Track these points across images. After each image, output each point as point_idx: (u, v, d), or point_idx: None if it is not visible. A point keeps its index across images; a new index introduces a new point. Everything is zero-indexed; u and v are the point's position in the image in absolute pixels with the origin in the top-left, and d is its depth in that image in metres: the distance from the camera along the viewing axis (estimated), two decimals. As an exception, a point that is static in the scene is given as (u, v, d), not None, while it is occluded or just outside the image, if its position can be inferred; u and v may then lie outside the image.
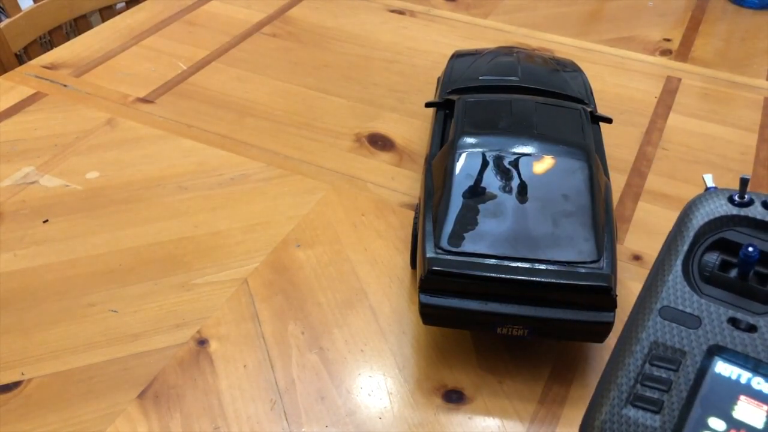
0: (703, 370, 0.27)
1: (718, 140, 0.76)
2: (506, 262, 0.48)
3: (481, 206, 0.51)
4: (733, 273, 0.29)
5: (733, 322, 0.28)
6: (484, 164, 0.53)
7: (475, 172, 0.52)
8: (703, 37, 0.97)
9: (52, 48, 0.92)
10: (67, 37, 0.98)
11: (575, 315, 0.48)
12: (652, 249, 0.62)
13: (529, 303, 0.48)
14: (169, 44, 0.91)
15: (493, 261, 0.48)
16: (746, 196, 0.30)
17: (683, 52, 0.92)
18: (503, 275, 0.47)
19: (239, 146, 0.73)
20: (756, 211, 0.29)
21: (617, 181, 0.70)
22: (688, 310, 0.29)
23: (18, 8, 1.14)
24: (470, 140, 0.54)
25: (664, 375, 0.27)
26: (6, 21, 1.02)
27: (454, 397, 0.50)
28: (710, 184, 0.32)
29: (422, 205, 0.53)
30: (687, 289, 0.29)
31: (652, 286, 0.30)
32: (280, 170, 0.70)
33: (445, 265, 0.48)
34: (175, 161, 0.71)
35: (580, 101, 0.63)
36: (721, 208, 0.30)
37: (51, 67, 0.86)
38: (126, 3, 1.19)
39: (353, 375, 0.51)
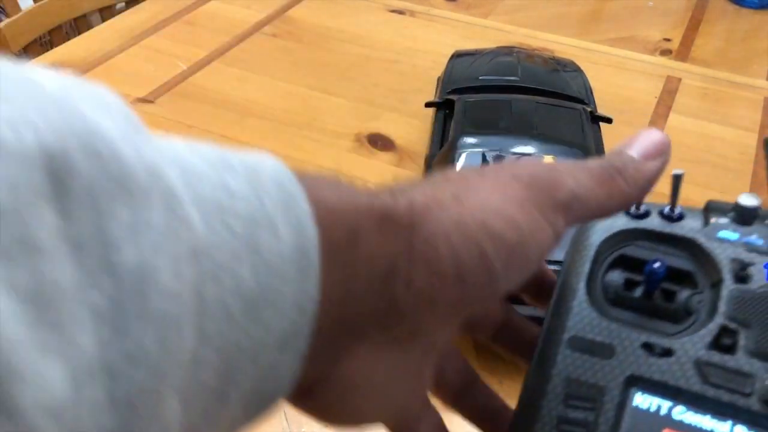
0: (622, 405, 0.25)
1: (718, 140, 0.76)
2: (506, 262, 0.48)
3: (481, 206, 0.51)
4: (639, 291, 0.27)
5: (648, 347, 0.26)
6: (484, 164, 0.53)
7: (475, 172, 0.52)
8: (703, 37, 0.97)
9: (52, 48, 0.92)
10: (67, 37, 0.98)
11: (575, 315, 0.47)
12: (652, 249, 0.62)
13: (529, 303, 0.48)
14: (169, 44, 0.91)
15: (493, 261, 0.48)
16: (642, 207, 0.28)
17: (683, 52, 0.92)
18: (503, 275, 0.47)
19: (239, 146, 0.73)
20: (654, 223, 0.28)
21: (617, 181, 0.70)
22: (598, 338, 0.26)
23: (18, 8, 1.14)
24: (470, 140, 0.54)
25: (581, 416, 0.25)
26: (6, 21, 1.02)
27: (454, 397, 0.50)
28: None
29: (422, 205, 0.53)
30: (594, 314, 0.27)
31: (556, 315, 0.28)
32: (280, 170, 0.70)
33: (445, 265, 0.48)
34: (175, 161, 0.71)
35: (580, 101, 0.63)
36: (618, 221, 0.28)
37: (51, 67, 0.86)
38: (126, 3, 1.20)
39: (353, 375, 0.51)
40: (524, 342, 0.30)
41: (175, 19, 0.96)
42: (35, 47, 1.06)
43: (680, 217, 0.28)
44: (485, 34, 0.94)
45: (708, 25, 0.99)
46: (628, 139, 0.25)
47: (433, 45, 0.91)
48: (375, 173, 0.70)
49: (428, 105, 0.65)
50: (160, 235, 0.15)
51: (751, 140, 0.76)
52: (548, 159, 0.53)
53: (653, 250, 0.28)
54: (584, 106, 0.60)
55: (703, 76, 0.87)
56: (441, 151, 0.56)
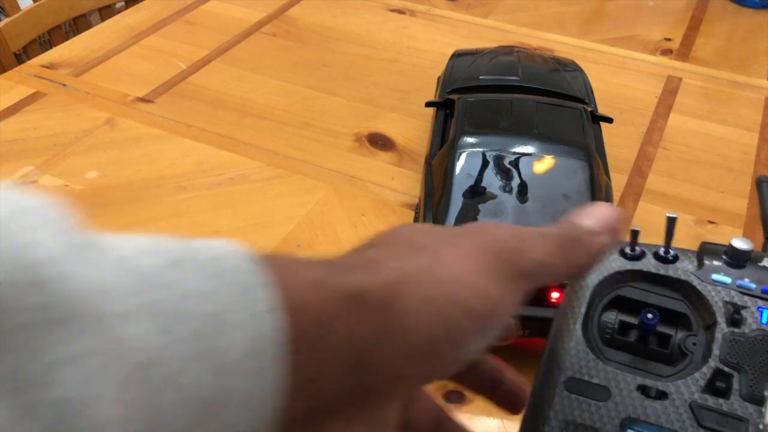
0: None
1: (718, 140, 0.76)
2: (506, 262, 0.48)
3: (481, 206, 0.50)
4: (634, 335, 0.28)
5: (643, 390, 0.26)
6: (485, 164, 0.53)
7: (475, 172, 0.52)
8: (704, 36, 0.96)
9: (51, 47, 0.92)
10: (67, 37, 0.98)
11: (576, 315, 0.47)
12: (652, 249, 0.62)
13: (529, 303, 0.48)
14: (168, 44, 0.91)
15: (493, 261, 0.48)
16: (637, 249, 0.29)
17: (684, 52, 0.92)
18: (503, 275, 0.47)
19: (239, 146, 0.73)
20: (649, 264, 0.29)
21: (618, 181, 0.69)
22: (595, 380, 0.27)
23: (18, 8, 1.14)
24: (470, 140, 0.54)
25: None
26: (6, 21, 1.02)
27: (454, 397, 0.50)
28: None
29: (422, 205, 0.53)
30: (591, 356, 0.28)
31: (553, 356, 0.28)
32: (280, 170, 0.70)
33: (445, 265, 0.48)
34: (174, 161, 0.71)
35: (581, 101, 0.62)
36: (614, 263, 0.29)
37: (50, 66, 0.86)
38: (125, 2, 1.19)
39: (353, 375, 0.51)
40: (483, 379, 0.30)
41: (174, 19, 0.96)
42: (35, 47, 1.06)
43: (675, 259, 0.29)
44: (485, 33, 0.94)
45: (709, 25, 0.99)
46: (584, 210, 0.26)
47: (433, 45, 0.91)
48: (375, 173, 0.70)
49: (428, 105, 0.65)
50: (93, 364, 0.15)
51: (752, 140, 0.76)
52: (548, 159, 0.53)
53: (648, 292, 0.29)
54: (584, 106, 0.60)
55: (703, 76, 0.86)
56: (441, 151, 0.56)
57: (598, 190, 0.51)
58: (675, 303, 0.28)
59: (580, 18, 1.00)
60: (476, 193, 0.51)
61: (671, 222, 0.29)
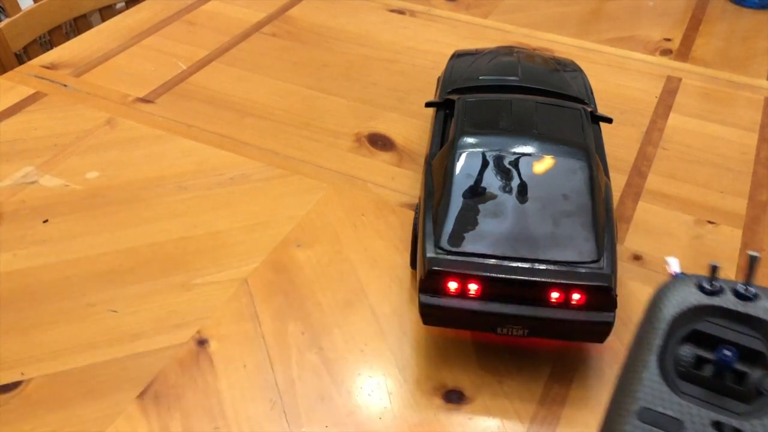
0: None
1: (718, 140, 0.76)
2: (506, 262, 0.48)
3: (481, 206, 0.51)
4: (710, 370, 0.28)
5: (717, 426, 0.26)
6: (484, 164, 0.53)
7: (475, 172, 0.52)
8: (704, 36, 0.96)
9: (51, 48, 0.92)
10: (67, 37, 0.98)
11: (575, 315, 0.48)
12: (652, 249, 0.62)
13: (529, 303, 0.48)
14: (169, 44, 0.91)
15: (493, 261, 0.48)
16: (716, 284, 0.29)
17: (683, 52, 0.92)
18: (503, 275, 0.47)
19: (239, 146, 0.73)
20: (728, 301, 0.28)
21: (617, 181, 0.70)
22: (668, 412, 0.27)
23: (18, 8, 1.14)
24: (470, 140, 0.54)
25: None
26: (6, 21, 1.02)
27: (454, 397, 0.50)
28: (676, 269, 0.30)
29: (422, 205, 0.53)
30: (665, 388, 0.27)
31: (626, 384, 0.28)
32: (280, 170, 0.70)
33: (445, 265, 0.48)
34: (175, 161, 0.71)
35: (581, 101, 0.63)
36: (691, 297, 0.29)
37: (51, 66, 0.86)
38: (126, 3, 1.19)
39: (353, 375, 0.51)
40: None
41: (175, 19, 0.96)
42: (35, 47, 1.06)
43: (755, 297, 0.28)
44: (485, 34, 0.94)
45: (708, 25, 0.99)
46: None
47: (433, 45, 0.91)
48: (375, 173, 0.70)
49: (428, 105, 0.65)
50: None
51: (752, 140, 0.76)
52: (548, 159, 0.53)
53: (726, 328, 0.28)
54: (584, 106, 0.60)
55: (703, 76, 0.87)
56: (441, 151, 0.56)
57: (597, 190, 0.52)
58: (753, 341, 0.28)
59: (579, 18, 1.00)
60: (476, 193, 0.51)
61: (753, 260, 0.28)
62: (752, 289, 0.28)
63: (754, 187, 0.70)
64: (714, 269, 0.29)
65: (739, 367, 0.27)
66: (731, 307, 0.28)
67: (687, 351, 0.28)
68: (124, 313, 0.56)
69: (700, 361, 0.28)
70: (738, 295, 0.29)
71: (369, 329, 0.55)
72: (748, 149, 0.75)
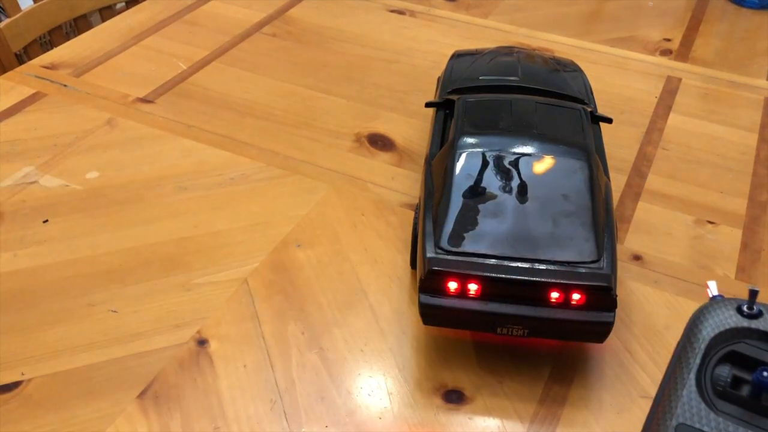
0: None
1: (718, 140, 0.76)
2: (506, 262, 0.48)
3: (481, 206, 0.51)
4: (747, 390, 0.29)
5: None
6: (484, 164, 0.53)
7: (475, 172, 0.52)
8: (704, 37, 0.97)
9: (52, 48, 0.92)
10: (67, 37, 0.98)
11: (575, 315, 0.48)
12: (652, 249, 0.62)
13: (529, 303, 0.48)
14: (169, 44, 0.91)
15: (493, 261, 0.48)
16: (755, 308, 0.30)
17: (683, 52, 0.92)
18: (503, 275, 0.47)
19: (239, 146, 0.73)
20: (766, 324, 0.29)
21: (617, 181, 0.70)
22: (705, 429, 0.28)
23: (18, 8, 1.14)
24: (470, 140, 0.54)
25: None
26: (6, 21, 1.02)
27: (454, 397, 0.50)
28: (715, 292, 0.32)
29: (422, 205, 0.53)
30: (702, 405, 0.28)
31: (664, 401, 0.29)
32: (280, 170, 0.70)
33: (445, 265, 0.48)
34: (175, 161, 0.71)
35: (581, 101, 0.63)
36: (730, 319, 0.30)
37: (51, 67, 0.86)
38: (126, 3, 1.19)
39: (353, 375, 0.51)
40: None
41: (175, 19, 0.96)
42: (35, 47, 1.06)
43: None
44: (485, 34, 0.94)
45: (708, 25, 0.99)
46: None
47: (432, 45, 0.91)
48: (375, 173, 0.70)
49: (428, 105, 0.65)
50: None
51: (752, 140, 0.76)
52: (548, 159, 0.53)
53: (763, 350, 0.29)
54: (584, 106, 0.60)
55: (703, 76, 0.87)
56: (441, 151, 0.56)
57: (597, 190, 0.52)
58: None
59: (579, 18, 1.00)
60: (476, 193, 0.51)
61: None
62: None
63: (754, 187, 0.70)
64: (754, 294, 0.30)
65: None
66: None
67: (724, 371, 0.29)
68: (124, 313, 0.56)
69: (737, 381, 0.29)
70: None
71: (369, 329, 0.55)
72: (748, 149, 0.75)
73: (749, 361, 0.29)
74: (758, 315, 0.30)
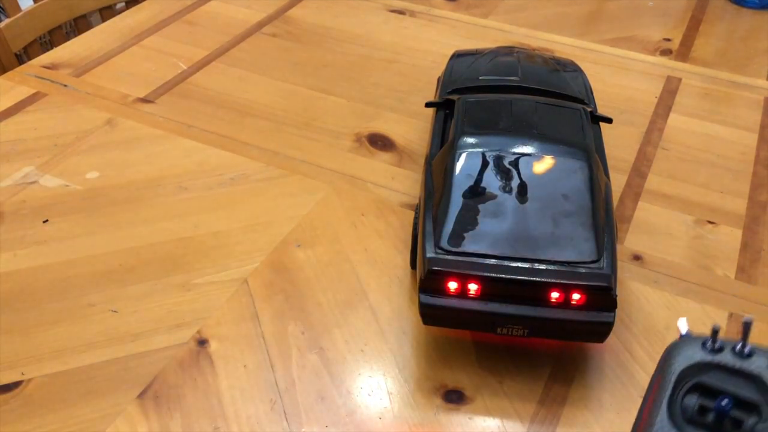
0: None
1: (718, 140, 0.76)
2: (506, 262, 0.48)
3: (481, 206, 0.51)
4: (711, 417, 0.33)
5: None
6: (484, 164, 0.53)
7: (475, 172, 0.52)
8: (704, 37, 0.97)
9: (52, 48, 0.92)
10: (67, 37, 0.98)
11: (575, 315, 0.48)
12: (652, 249, 0.62)
13: (529, 303, 0.48)
14: (169, 44, 0.91)
15: (493, 261, 0.48)
16: (717, 344, 0.34)
17: (683, 52, 0.92)
18: (503, 275, 0.47)
19: (239, 146, 0.73)
20: (727, 358, 0.34)
21: (617, 181, 0.70)
22: None
23: (18, 8, 1.14)
24: (470, 140, 0.54)
25: None
26: (6, 21, 1.02)
27: (454, 397, 0.50)
28: (684, 330, 0.36)
29: (422, 205, 0.53)
30: (674, 431, 0.33)
31: (641, 427, 0.33)
32: (280, 170, 0.70)
33: (445, 265, 0.48)
34: (175, 161, 0.71)
35: (581, 101, 0.63)
36: (696, 354, 0.34)
37: (51, 67, 0.86)
38: (126, 3, 1.19)
39: (353, 375, 0.51)
40: None
41: (175, 19, 0.96)
42: (36, 47, 1.06)
43: (750, 354, 0.33)
44: (485, 34, 0.94)
45: (708, 25, 0.99)
46: None
47: (433, 45, 0.91)
48: (375, 173, 0.70)
49: (428, 105, 0.65)
50: None
51: (751, 140, 0.76)
52: (548, 159, 0.53)
53: (725, 381, 0.33)
54: (584, 106, 0.60)
55: (703, 76, 0.87)
56: (441, 151, 0.56)
57: (597, 190, 0.52)
58: (748, 392, 0.33)
59: (579, 18, 1.00)
60: (476, 193, 0.51)
61: (747, 326, 0.34)
62: (747, 348, 0.34)
63: (754, 187, 0.70)
64: (715, 332, 0.34)
65: (736, 414, 0.32)
66: (729, 363, 0.33)
67: (692, 400, 0.33)
68: (124, 313, 0.56)
69: (703, 409, 0.33)
70: (736, 352, 0.34)
71: (369, 329, 0.55)
72: (748, 149, 0.75)
73: (713, 391, 0.33)
74: (720, 350, 0.34)
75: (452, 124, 0.58)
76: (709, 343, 0.34)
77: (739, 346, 0.34)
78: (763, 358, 0.33)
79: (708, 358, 0.34)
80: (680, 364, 0.34)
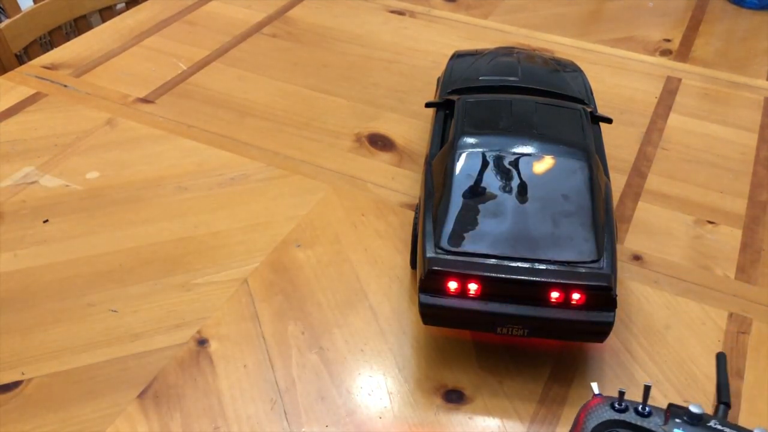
0: None
1: (718, 140, 0.76)
2: (506, 262, 0.48)
3: (481, 206, 0.51)
4: None
5: None
6: (484, 164, 0.53)
7: (475, 172, 0.52)
8: (703, 37, 0.97)
9: (52, 48, 0.92)
10: (67, 38, 0.98)
11: (575, 315, 0.48)
12: (652, 249, 0.62)
13: (529, 303, 0.48)
14: (169, 44, 0.91)
15: (493, 261, 0.48)
16: (623, 404, 0.40)
17: (683, 53, 0.92)
18: (503, 275, 0.47)
19: (239, 146, 0.73)
20: (630, 417, 0.40)
21: (617, 181, 0.70)
22: None
23: (18, 8, 1.14)
24: (470, 140, 0.54)
25: None
26: (6, 21, 1.02)
27: (454, 397, 0.50)
28: (596, 391, 0.42)
29: (422, 205, 0.53)
30: None
31: None
32: (280, 170, 0.70)
33: (445, 265, 0.48)
34: (175, 161, 0.71)
35: (580, 101, 0.63)
36: (606, 413, 0.40)
37: (51, 67, 0.86)
38: (126, 3, 1.20)
39: (353, 375, 0.51)
40: None
41: (175, 19, 0.96)
42: (36, 48, 1.06)
43: (649, 414, 0.40)
44: (485, 34, 0.94)
45: (708, 26, 1.00)
46: None
47: (433, 45, 0.91)
48: (375, 173, 0.70)
49: (428, 105, 0.65)
50: None
51: (751, 140, 0.76)
52: (548, 159, 0.53)
53: None
54: (584, 107, 0.60)
55: (703, 77, 0.87)
56: (441, 151, 0.56)
57: (597, 190, 0.52)
58: None
59: (579, 19, 1.00)
60: (476, 193, 0.51)
61: (647, 390, 0.39)
62: (647, 409, 0.40)
63: (754, 187, 0.70)
64: (621, 394, 0.40)
65: None
66: (632, 421, 0.39)
67: None
68: (124, 313, 0.56)
69: None
70: (637, 412, 0.40)
71: (369, 329, 0.55)
72: (748, 149, 0.75)
73: None
74: (625, 410, 0.40)
75: (452, 124, 0.58)
76: (617, 403, 0.40)
77: (640, 407, 0.40)
78: (659, 417, 0.40)
79: (615, 416, 0.40)
80: (593, 421, 0.40)
